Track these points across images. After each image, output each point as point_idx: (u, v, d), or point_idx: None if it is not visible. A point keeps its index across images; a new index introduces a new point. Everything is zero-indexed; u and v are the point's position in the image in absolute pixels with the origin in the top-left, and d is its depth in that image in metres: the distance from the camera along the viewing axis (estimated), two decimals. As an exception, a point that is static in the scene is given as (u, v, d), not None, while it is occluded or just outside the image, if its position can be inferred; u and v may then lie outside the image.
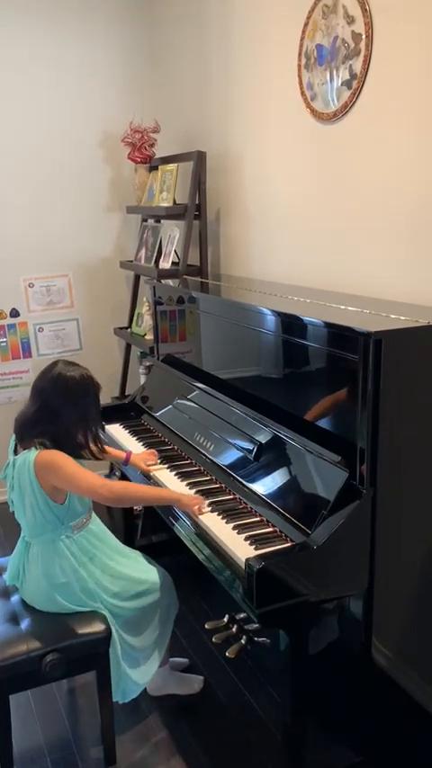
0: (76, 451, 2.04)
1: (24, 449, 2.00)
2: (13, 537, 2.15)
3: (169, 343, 3.03)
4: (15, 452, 2.06)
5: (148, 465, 2.38)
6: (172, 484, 2.23)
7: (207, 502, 2.05)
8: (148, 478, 2.35)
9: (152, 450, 2.45)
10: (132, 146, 3.57)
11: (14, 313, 3.82)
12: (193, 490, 2.14)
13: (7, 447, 2.12)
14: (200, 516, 1.99)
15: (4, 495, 2.14)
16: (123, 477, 2.96)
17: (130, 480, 2.53)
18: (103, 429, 2.82)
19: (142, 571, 2.16)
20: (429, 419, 1.74)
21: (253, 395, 2.29)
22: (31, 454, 1.95)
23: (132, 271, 3.78)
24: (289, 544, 1.76)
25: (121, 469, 2.78)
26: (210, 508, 2.02)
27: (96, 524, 2.15)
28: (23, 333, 3.86)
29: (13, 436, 2.08)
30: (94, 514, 2.15)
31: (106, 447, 2.36)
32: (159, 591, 2.16)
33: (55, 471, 1.93)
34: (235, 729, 2.22)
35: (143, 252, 3.61)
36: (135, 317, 3.78)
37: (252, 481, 2.05)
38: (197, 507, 2.01)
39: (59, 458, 1.94)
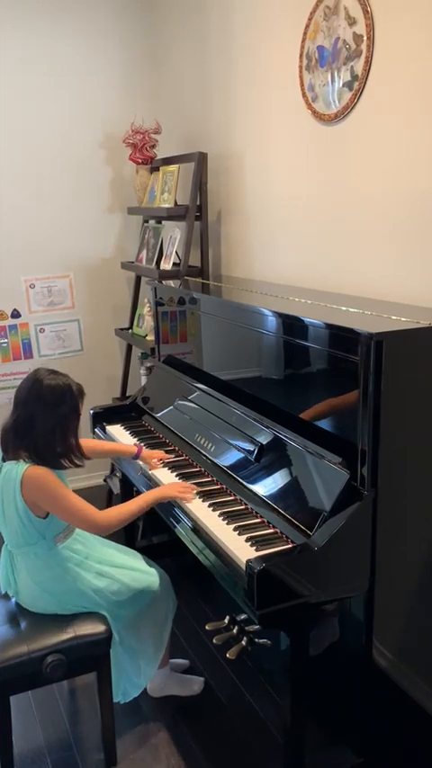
0: (58, 462, 1.99)
1: (10, 459, 1.96)
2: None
3: (170, 344, 3.03)
4: (3, 460, 2.02)
5: (154, 462, 2.38)
6: (173, 485, 2.23)
7: (195, 490, 2.12)
8: (148, 479, 2.36)
9: (167, 455, 2.43)
10: (134, 147, 3.57)
11: (15, 314, 3.82)
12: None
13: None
14: (201, 517, 1.99)
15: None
16: (124, 478, 2.97)
17: (131, 479, 2.54)
18: (99, 431, 2.83)
19: (140, 572, 2.16)
20: (430, 420, 1.75)
21: (254, 396, 2.30)
22: (20, 467, 1.91)
23: (133, 272, 3.78)
24: (290, 545, 1.76)
25: (122, 470, 2.78)
26: (205, 502, 2.05)
27: (81, 534, 2.12)
28: (24, 333, 3.86)
29: None
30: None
31: (110, 443, 2.35)
32: (158, 592, 2.16)
33: (50, 498, 1.91)
34: (235, 730, 2.22)
35: (144, 253, 3.61)
36: (136, 318, 3.78)
37: (253, 482, 2.05)
38: (185, 494, 2.06)
39: (52, 483, 1.90)
